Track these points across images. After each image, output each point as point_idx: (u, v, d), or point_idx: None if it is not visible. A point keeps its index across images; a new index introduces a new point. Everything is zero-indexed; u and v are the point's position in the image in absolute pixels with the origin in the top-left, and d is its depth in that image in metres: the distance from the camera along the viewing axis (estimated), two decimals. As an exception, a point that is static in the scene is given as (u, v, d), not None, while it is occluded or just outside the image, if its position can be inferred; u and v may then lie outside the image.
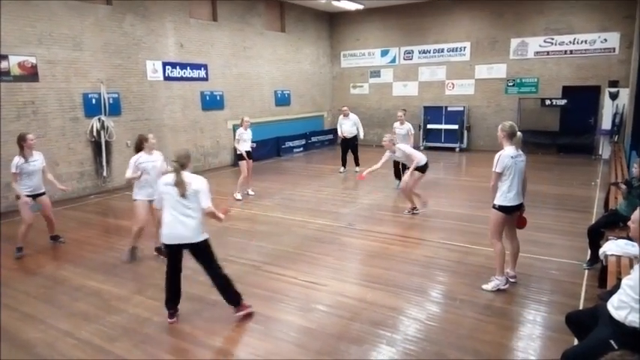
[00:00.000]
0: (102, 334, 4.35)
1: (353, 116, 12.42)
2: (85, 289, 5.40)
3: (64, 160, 10.08)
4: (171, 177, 4.32)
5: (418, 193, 8.28)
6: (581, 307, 4.54)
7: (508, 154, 4.80)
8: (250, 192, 9.94)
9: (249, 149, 9.66)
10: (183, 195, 4.23)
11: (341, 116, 12.59)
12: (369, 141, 18.51)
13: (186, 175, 4.34)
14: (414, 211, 8.14)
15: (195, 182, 4.35)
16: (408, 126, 9.89)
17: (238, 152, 9.68)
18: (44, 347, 4.14)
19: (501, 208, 4.88)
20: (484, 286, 5.06)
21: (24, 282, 5.65)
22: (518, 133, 4.94)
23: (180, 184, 4.23)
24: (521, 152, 4.92)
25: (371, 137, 18.62)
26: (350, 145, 12.54)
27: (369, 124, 18.64)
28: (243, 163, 9.58)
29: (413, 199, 8.19)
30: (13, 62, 9.03)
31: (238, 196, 9.59)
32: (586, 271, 5.45)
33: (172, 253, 4.46)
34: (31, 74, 9.33)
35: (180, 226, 4.27)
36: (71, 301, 5.09)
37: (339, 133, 12.63)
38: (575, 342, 3.42)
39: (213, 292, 5.17)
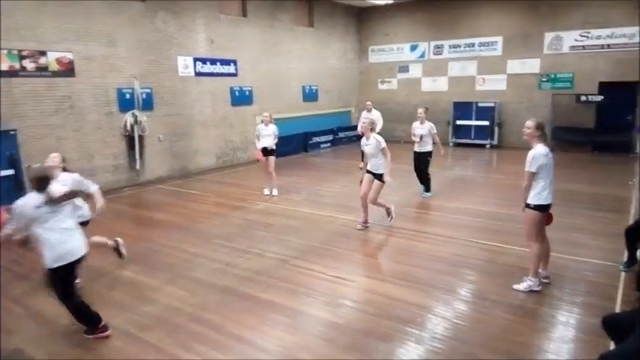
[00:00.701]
0: (136, 322, 4.48)
1: (376, 112, 11.78)
2: (121, 279, 5.57)
3: (100, 153, 10.38)
4: (38, 198, 3.97)
5: (381, 204, 7.34)
6: (617, 310, 4.42)
7: (542, 152, 4.67)
8: (274, 192, 9.58)
9: (267, 145, 9.34)
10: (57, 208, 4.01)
11: (364, 111, 11.97)
12: (398, 137, 18.39)
13: (56, 184, 4.16)
14: (365, 225, 7.28)
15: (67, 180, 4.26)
16: (429, 125, 8.94)
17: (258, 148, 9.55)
18: (82, 334, 4.28)
19: (537, 208, 4.75)
20: (515, 286, 4.97)
21: (62, 271, 5.84)
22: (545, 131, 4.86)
23: (52, 201, 3.99)
24: (549, 150, 4.79)
25: (399, 134, 18.53)
26: None
27: (397, 120, 18.51)
28: (261, 160, 9.58)
29: (382, 205, 7.29)
30: (51, 58, 9.33)
31: (266, 191, 9.68)
32: (622, 274, 5.29)
33: (69, 273, 4.15)
34: (68, 70, 9.63)
35: (71, 240, 4.09)
36: (107, 290, 5.26)
37: (360, 128, 12.38)
38: (612, 346, 3.34)
39: (243, 284, 5.29)
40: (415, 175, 9.33)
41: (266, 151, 9.42)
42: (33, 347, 4.10)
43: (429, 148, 8.99)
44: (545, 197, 4.73)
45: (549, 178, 4.72)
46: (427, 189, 9.20)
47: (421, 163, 9.08)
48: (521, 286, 4.94)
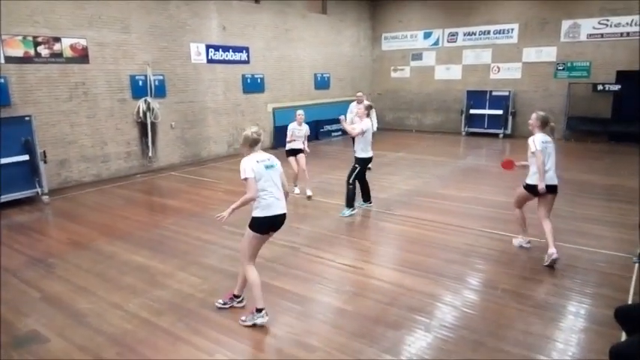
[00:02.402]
0: (148, 307, 4.55)
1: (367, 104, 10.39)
2: (132, 264, 5.65)
3: (113, 139, 10.47)
4: None
5: None
6: (630, 302, 4.38)
7: (540, 139, 5.33)
8: (308, 192, 8.60)
9: (299, 147, 8.60)
10: None
11: (354, 103, 10.23)
12: (409, 126, 18.33)
13: None
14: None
15: None
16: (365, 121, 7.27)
17: (288, 148, 8.68)
18: (94, 317, 4.37)
19: (526, 187, 5.54)
20: (514, 242, 5.95)
21: (77, 255, 5.95)
22: (552, 123, 5.53)
23: None
24: (550, 139, 5.43)
25: (411, 122, 18.45)
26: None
27: (409, 109, 18.42)
28: (292, 159, 8.66)
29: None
30: (65, 44, 9.38)
31: (296, 190, 8.76)
32: (636, 265, 5.22)
33: None
34: (81, 56, 9.68)
35: None
36: (120, 275, 5.34)
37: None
38: (624, 337, 3.31)
39: (253, 271, 5.32)
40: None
41: (297, 151, 8.66)
42: (47, 329, 4.18)
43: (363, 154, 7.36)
44: (535, 180, 5.38)
45: (548, 164, 5.35)
46: (350, 204, 7.47)
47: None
48: (518, 242, 5.93)
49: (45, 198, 8.53)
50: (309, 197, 8.55)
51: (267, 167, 4.18)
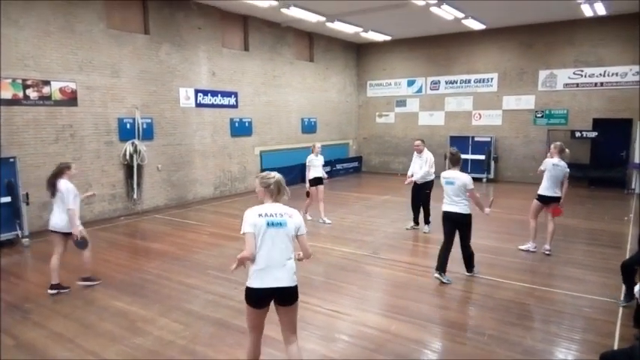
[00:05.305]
0: (126, 355, 4.39)
1: (427, 154, 9.38)
2: (112, 310, 5.49)
3: (97, 182, 10.39)
4: None
5: None
6: (615, 347, 4.36)
7: (549, 160, 7.33)
8: (327, 220, 9.80)
9: (319, 175, 9.74)
10: None
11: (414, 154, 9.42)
12: (395, 170, 18.58)
13: None
14: None
15: None
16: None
17: (308, 179, 9.76)
18: (71, 366, 4.20)
19: (536, 196, 7.45)
20: (520, 247, 7.62)
21: (56, 300, 5.77)
22: (567, 150, 7.49)
23: None
24: (562, 163, 7.20)
25: (396, 166, 18.71)
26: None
27: (394, 153, 18.78)
28: (313, 190, 9.71)
29: None
30: (54, 88, 9.46)
31: (308, 217, 9.81)
32: (620, 310, 5.25)
33: None
34: (70, 99, 9.75)
35: None
36: (99, 321, 5.17)
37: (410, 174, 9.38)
38: (611, 384, 3.29)
39: (237, 317, 5.21)
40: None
41: (318, 181, 9.74)
42: (21, 379, 4.00)
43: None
44: (541, 191, 7.37)
45: (549, 180, 7.25)
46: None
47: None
48: (524, 246, 7.57)
49: (25, 241, 8.34)
50: (327, 223, 9.72)
51: (269, 224, 3.39)
